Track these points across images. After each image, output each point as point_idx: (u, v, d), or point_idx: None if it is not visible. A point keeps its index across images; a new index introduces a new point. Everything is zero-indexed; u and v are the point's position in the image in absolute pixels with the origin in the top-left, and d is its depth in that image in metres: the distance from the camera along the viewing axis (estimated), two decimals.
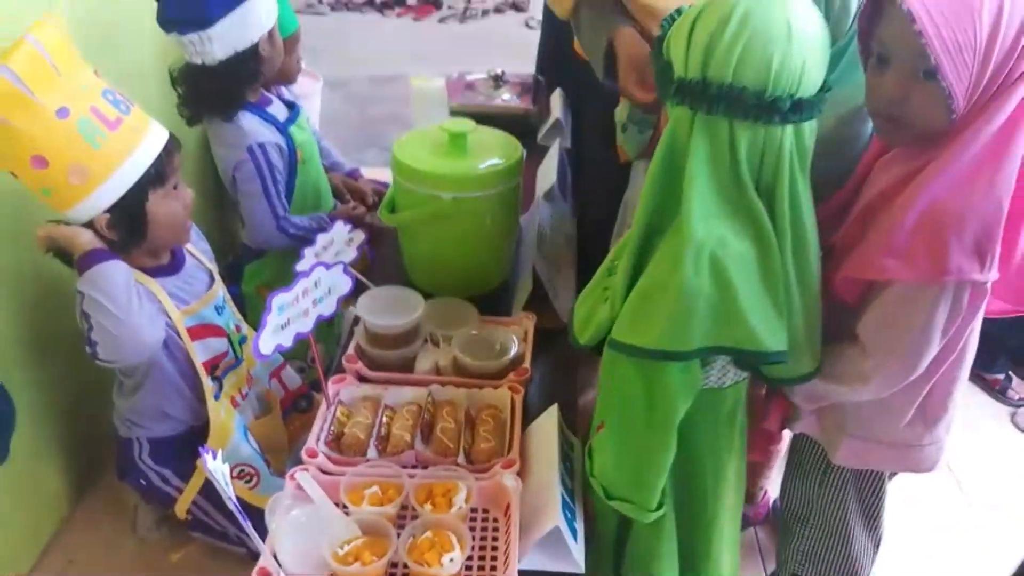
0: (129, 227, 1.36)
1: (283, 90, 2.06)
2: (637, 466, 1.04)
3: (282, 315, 1.13)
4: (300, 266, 1.34)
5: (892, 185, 1.01)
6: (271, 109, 1.92)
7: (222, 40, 1.71)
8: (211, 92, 1.78)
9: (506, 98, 2.28)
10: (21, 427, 1.53)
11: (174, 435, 1.52)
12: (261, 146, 1.82)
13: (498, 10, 5.18)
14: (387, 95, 3.90)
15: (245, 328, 1.63)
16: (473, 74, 2.40)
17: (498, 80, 2.34)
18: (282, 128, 1.91)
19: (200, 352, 1.46)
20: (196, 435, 1.50)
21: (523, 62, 2.51)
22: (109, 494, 1.70)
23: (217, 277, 1.57)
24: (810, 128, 0.90)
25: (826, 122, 1.10)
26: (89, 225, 1.34)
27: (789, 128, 0.88)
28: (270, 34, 1.80)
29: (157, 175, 1.35)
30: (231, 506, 0.91)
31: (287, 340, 1.15)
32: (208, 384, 1.47)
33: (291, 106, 2.00)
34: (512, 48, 2.35)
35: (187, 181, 1.47)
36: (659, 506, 1.07)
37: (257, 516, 1.03)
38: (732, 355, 0.95)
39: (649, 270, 0.95)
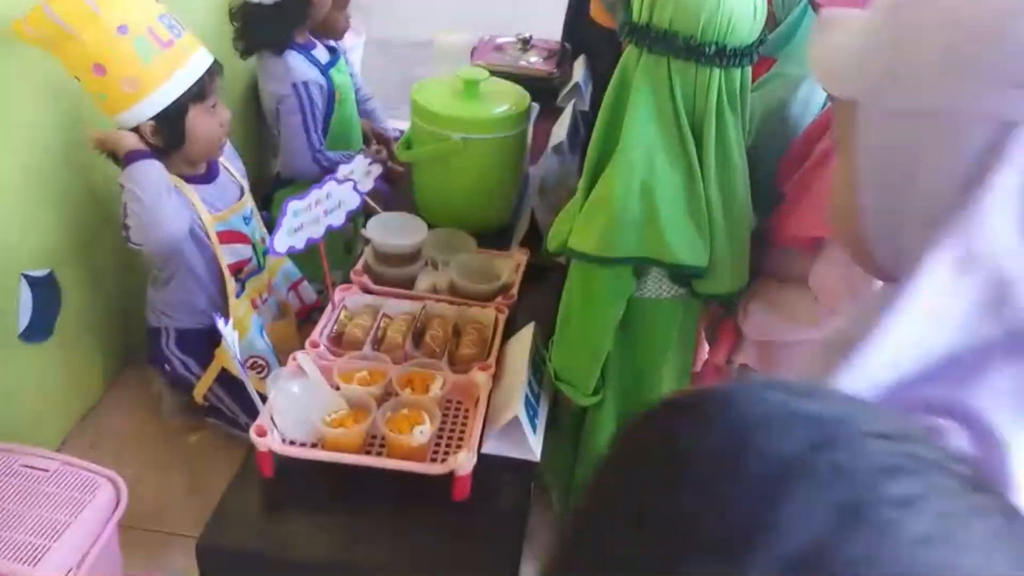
0: (170, 135, 1.53)
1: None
2: (576, 355, 1.20)
3: (296, 219, 1.29)
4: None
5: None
6: (315, 51, 2.10)
7: None
8: (263, 28, 1.98)
9: (532, 61, 2.41)
10: (66, 312, 1.72)
11: (198, 328, 1.71)
12: (304, 83, 2.01)
13: None
14: (429, 58, 4.05)
15: (269, 242, 1.81)
16: (503, 37, 2.55)
17: (526, 44, 2.48)
18: (324, 69, 2.09)
19: (227, 255, 1.65)
20: (217, 330, 1.68)
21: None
22: (139, 381, 1.88)
23: (247, 191, 1.75)
24: (742, 73, 1.05)
25: (798, 83, 1.24)
26: (135, 131, 1.51)
27: (718, 71, 1.03)
28: None
29: (198, 92, 1.53)
30: (237, 365, 1.08)
31: (299, 243, 1.31)
32: (232, 284, 1.65)
33: (332, 51, 2.18)
34: (560, 16, 2.49)
35: (234, 115, 1.64)
36: (595, 391, 1.25)
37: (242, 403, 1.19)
38: (654, 265, 1.12)
39: (596, 188, 1.11)
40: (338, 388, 1.23)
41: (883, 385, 0.48)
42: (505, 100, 1.64)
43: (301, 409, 1.18)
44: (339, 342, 1.37)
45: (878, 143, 0.54)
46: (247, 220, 1.72)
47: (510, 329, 1.43)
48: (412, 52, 4.13)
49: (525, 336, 1.37)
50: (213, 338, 1.66)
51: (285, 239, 1.29)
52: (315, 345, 1.33)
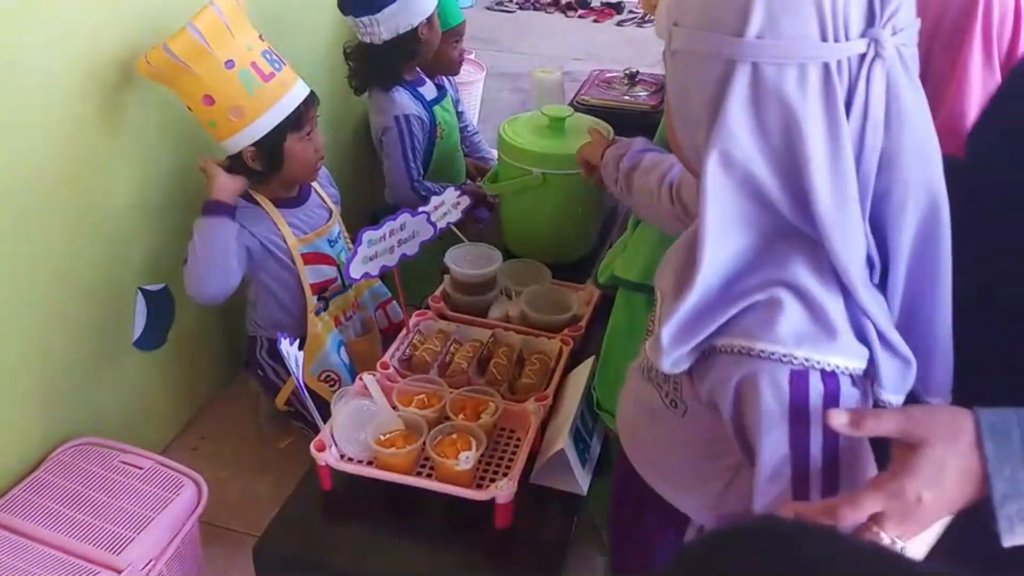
0: (268, 160, 1.66)
1: (443, 78, 2.36)
2: (616, 383, 1.20)
3: (370, 248, 1.37)
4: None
5: None
6: (422, 88, 2.22)
7: (388, 23, 2.03)
8: (374, 67, 2.11)
9: (638, 95, 2.43)
10: (178, 321, 1.89)
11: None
12: (406, 117, 2.13)
13: None
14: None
15: (346, 267, 1.93)
16: (612, 71, 2.58)
17: (632, 78, 2.50)
18: (427, 105, 2.20)
19: (311, 275, 1.76)
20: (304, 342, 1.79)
21: None
22: (244, 387, 2.03)
23: (336, 216, 1.87)
24: None
25: None
26: (238, 156, 1.65)
27: None
28: (429, 20, 2.09)
29: (295, 121, 1.64)
30: (296, 380, 1.16)
31: (374, 269, 1.39)
32: (312, 302, 1.76)
33: (440, 88, 2.29)
34: None
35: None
36: None
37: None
38: None
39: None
40: (396, 409, 1.29)
41: (717, 286, 0.69)
42: (588, 136, 1.67)
43: (359, 427, 1.25)
44: (409, 365, 1.44)
45: (670, 77, 0.74)
46: (332, 242, 1.83)
47: (575, 362, 1.45)
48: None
49: (583, 369, 1.39)
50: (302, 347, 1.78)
51: (360, 266, 1.38)
52: (385, 366, 1.40)
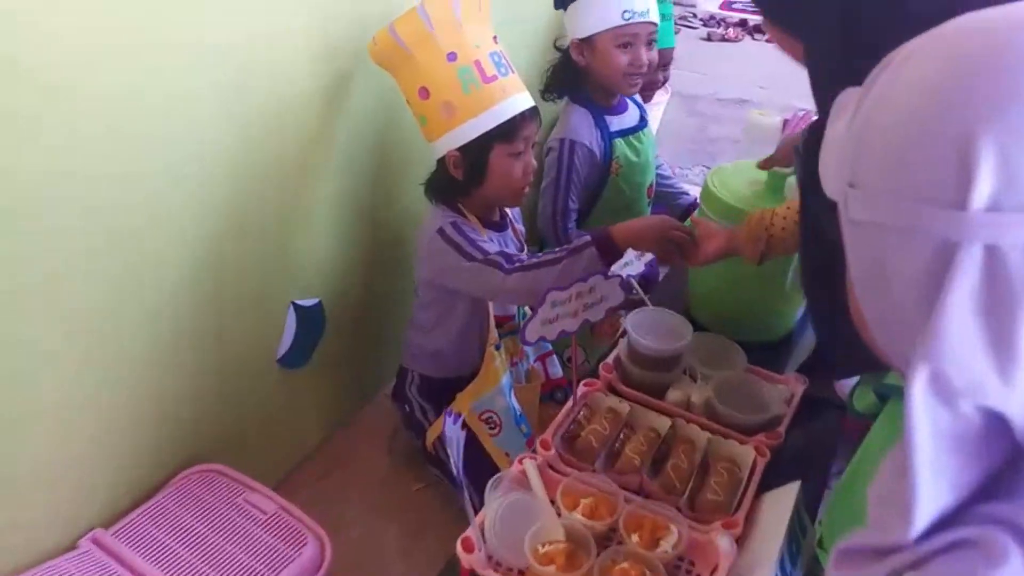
0: (471, 169, 1.50)
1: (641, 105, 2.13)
2: (858, 518, 0.94)
3: (553, 310, 1.18)
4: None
5: None
6: (613, 116, 1.99)
7: (571, 23, 1.85)
8: (562, 72, 1.92)
9: None
10: (324, 339, 1.76)
11: (443, 377, 1.69)
12: (572, 143, 1.92)
13: None
14: (728, 117, 3.85)
15: (521, 329, 1.76)
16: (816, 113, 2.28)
17: None
18: (607, 136, 1.97)
19: (495, 308, 1.62)
20: (464, 382, 1.65)
21: None
22: (381, 415, 1.89)
23: (525, 249, 1.71)
24: None
25: None
26: (443, 161, 1.51)
27: None
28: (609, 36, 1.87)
29: (506, 133, 1.48)
30: (455, 470, 0.98)
31: (551, 334, 1.20)
32: (495, 334, 1.61)
33: (640, 122, 2.06)
34: None
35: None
36: None
37: (485, 464, 1.29)
38: None
39: None
40: (559, 510, 1.09)
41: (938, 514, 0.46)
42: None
43: (514, 526, 1.06)
44: (572, 446, 1.24)
45: (853, 251, 0.52)
46: None
47: (768, 476, 1.21)
48: (713, 108, 3.95)
49: (787, 496, 1.14)
50: (456, 388, 1.63)
51: (537, 329, 1.19)
52: (547, 446, 1.20)
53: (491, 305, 1.61)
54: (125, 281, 1.25)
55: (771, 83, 4.09)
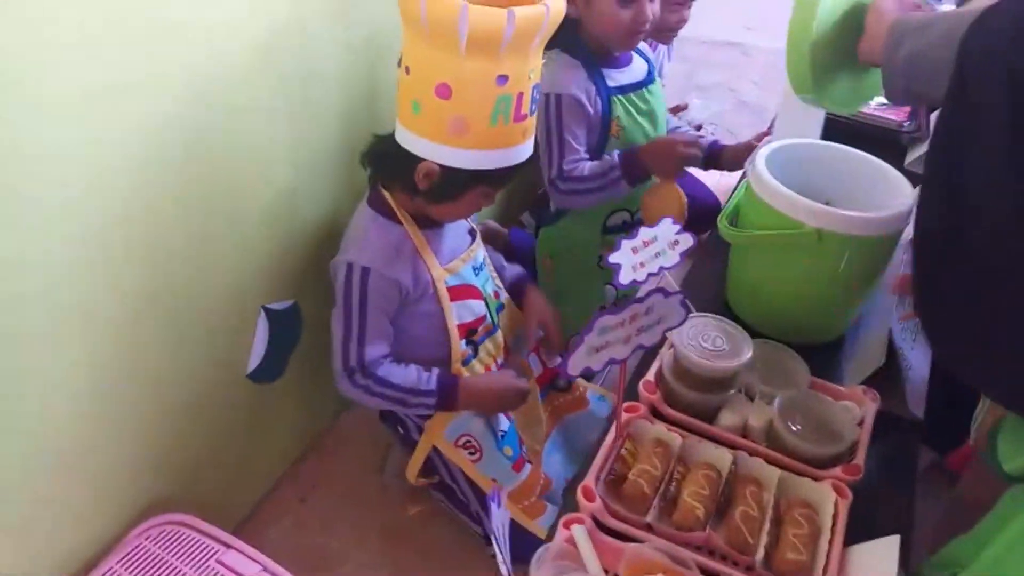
0: (442, 190, 1.32)
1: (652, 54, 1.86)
2: None
3: (602, 337, 0.96)
4: (614, 257, 1.16)
5: None
6: (614, 69, 1.72)
7: None
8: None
9: (881, 105, 1.92)
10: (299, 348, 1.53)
11: None
12: (558, 96, 1.64)
13: None
14: (718, 61, 3.59)
15: (504, 296, 1.55)
16: None
17: None
18: (604, 93, 1.70)
19: (458, 314, 1.41)
20: None
21: None
22: (363, 426, 1.66)
23: (479, 238, 1.51)
24: None
25: None
26: (407, 158, 1.28)
27: None
28: None
29: (498, 178, 1.33)
30: (498, 551, 0.77)
31: (598, 364, 0.98)
32: (459, 348, 1.41)
33: (647, 76, 1.78)
34: None
35: None
36: None
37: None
38: None
39: None
40: None
41: None
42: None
43: None
44: (617, 491, 1.03)
45: None
46: (477, 270, 1.47)
47: (852, 520, 1.02)
48: (701, 52, 3.68)
49: (885, 553, 0.95)
50: None
51: (583, 359, 0.96)
52: (590, 496, 0.99)
53: (450, 320, 1.40)
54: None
55: (759, 24, 3.85)
